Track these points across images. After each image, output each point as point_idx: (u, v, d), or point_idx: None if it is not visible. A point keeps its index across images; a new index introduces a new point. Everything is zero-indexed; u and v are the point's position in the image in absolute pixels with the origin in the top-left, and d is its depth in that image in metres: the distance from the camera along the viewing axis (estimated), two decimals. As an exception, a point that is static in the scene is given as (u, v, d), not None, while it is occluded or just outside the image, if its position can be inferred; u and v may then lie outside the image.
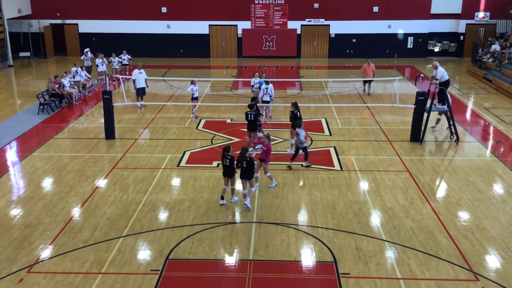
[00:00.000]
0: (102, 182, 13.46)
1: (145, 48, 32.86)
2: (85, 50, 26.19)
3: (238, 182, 12.27)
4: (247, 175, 11.66)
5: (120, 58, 25.83)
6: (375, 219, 11.42)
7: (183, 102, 21.06)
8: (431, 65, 17.66)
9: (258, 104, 15.89)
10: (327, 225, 11.08)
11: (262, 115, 17.56)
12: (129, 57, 26.16)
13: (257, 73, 19.89)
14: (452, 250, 10.09)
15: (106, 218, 11.43)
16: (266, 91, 18.19)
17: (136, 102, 20.84)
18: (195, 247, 10.21)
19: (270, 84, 18.32)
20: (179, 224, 11.15)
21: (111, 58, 25.72)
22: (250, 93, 20.45)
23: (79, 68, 23.23)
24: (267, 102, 18.26)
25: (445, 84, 16.49)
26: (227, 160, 11.77)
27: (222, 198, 12.11)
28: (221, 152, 11.97)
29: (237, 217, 11.49)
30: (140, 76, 20.61)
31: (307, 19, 33.23)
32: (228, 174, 11.93)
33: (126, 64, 25.90)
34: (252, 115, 14.97)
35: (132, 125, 18.59)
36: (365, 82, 23.35)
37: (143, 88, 20.77)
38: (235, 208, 11.91)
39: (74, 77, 22.63)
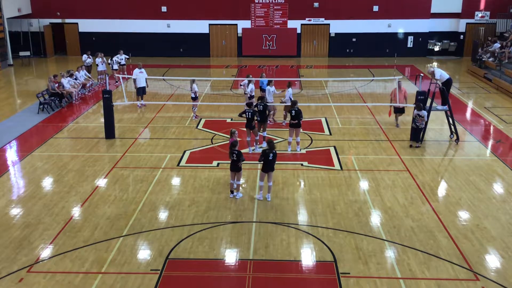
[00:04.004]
0: (102, 182, 13.46)
1: (145, 48, 32.84)
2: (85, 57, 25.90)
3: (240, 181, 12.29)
4: (269, 168, 12.01)
5: (117, 58, 25.74)
6: (375, 218, 11.42)
7: (183, 102, 21.06)
8: (427, 71, 17.28)
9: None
10: (327, 225, 11.08)
11: (270, 113, 17.94)
12: (127, 56, 26.09)
13: (250, 75, 19.69)
14: (452, 250, 10.09)
15: (106, 217, 11.43)
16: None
17: (136, 101, 20.83)
18: (195, 246, 10.21)
19: (251, 84, 18.74)
20: (179, 223, 11.15)
21: (113, 58, 25.66)
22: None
23: (81, 71, 23.35)
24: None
25: (447, 83, 16.46)
26: (234, 155, 11.86)
27: (232, 192, 12.32)
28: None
29: (237, 217, 11.49)
30: (140, 76, 20.61)
31: (307, 18, 33.20)
32: (235, 168, 12.02)
33: (123, 64, 25.78)
34: (250, 113, 15.02)
35: (132, 124, 18.59)
36: (395, 111, 17.89)
37: (144, 88, 20.77)
38: (235, 207, 11.91)
39: (76, 79, 22.61)
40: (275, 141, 16.26)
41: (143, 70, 20.72)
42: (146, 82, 20.83)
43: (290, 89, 17.91)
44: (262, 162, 12.07)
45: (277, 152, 12.16)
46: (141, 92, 20.75)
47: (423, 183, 13.34)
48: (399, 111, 17.78)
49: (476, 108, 21.06)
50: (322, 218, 11.40)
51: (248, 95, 18.49)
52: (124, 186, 13.18)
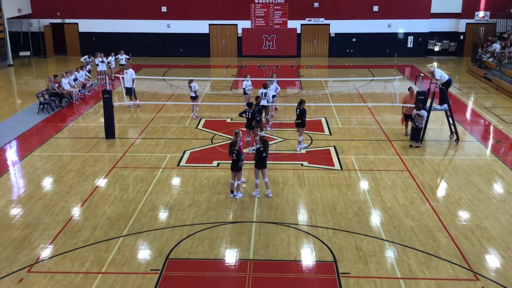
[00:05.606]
0: (102, 182, 13.46)
1: (145, 48, 32.84)
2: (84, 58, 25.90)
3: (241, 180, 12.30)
4: (261, 165, 12.14)
5: (117, 58, 25.72)
6: (375, 218, 11.42)
7: (183, 102, 21.06)
8: (427, 71, 17.06)
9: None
10: (327, 225, 11.08)
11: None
12: (127, 56, 26.08)
13: (248, 75, 19.74)
14: (452, 250, 10.09)
15: (106, 217, 11.43)
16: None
17: (131, 101, 20.64)
18: (195, 246, 10.21)
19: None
20: (179, 223, 11.16)
21: (110, 57, 25.67)
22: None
23: (81, 71, 23.33)
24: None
25: (446, 84, 16.46)
26: (234, 155, 11.88)
27: (232, 192, 12.34)
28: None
29: (237, 217, 11.49)
30: (125, 76, 20.44)
31: (307, 19, 33.20)
32: (235, 168, 12.05)
33: (123, 64, 25.75)
34: (250, 113, 15.03)
35: (132, 124, 18.59)
36: (406, 119, 16.81)
37: (129, 88, 20.47)
38: (235, 207, 11.92)
39: (75, 80, 22.59)
40: (273, 142, 16.32)
41: (128, 71, 20.59)
42: (133, 82, 20.60)
43: (245, 81, 19.10)
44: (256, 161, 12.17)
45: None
46: (127, 92, 20.57)
47: (423, 183, 13.34)
48: (410, 118, 16.41)
49: (476, 108, 21.06)
50: (322, 218, 11.40)
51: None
52: (124, 186, 13.18)
